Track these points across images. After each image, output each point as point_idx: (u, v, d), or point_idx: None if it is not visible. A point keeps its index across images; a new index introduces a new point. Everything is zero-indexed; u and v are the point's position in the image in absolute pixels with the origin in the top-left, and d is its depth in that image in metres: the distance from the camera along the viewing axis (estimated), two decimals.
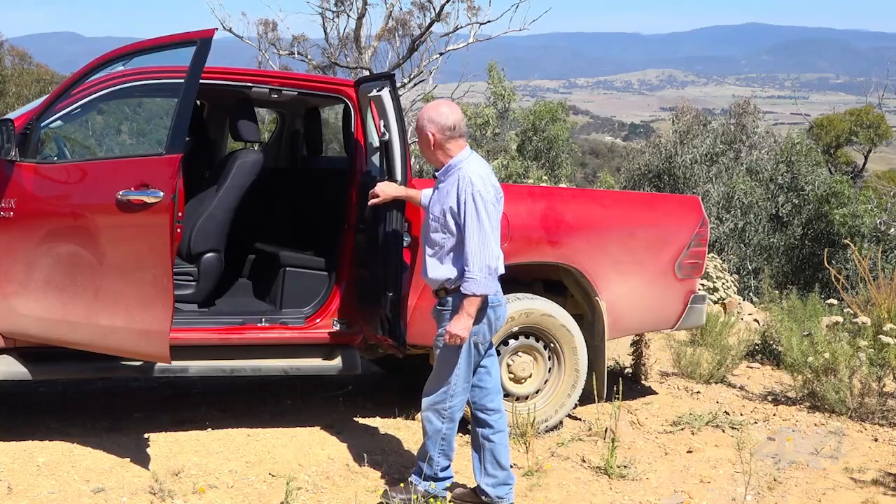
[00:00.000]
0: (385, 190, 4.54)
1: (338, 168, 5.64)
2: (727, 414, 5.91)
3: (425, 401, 4.10)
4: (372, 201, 4.54)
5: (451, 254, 3.97)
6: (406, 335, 4.67)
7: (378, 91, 4.72)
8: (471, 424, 4.22)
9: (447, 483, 4.15)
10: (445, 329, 3.95)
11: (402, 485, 4.21)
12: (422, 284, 4.73)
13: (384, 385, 6.20)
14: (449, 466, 4.13)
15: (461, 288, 3.87)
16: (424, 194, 4.36)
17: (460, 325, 3.88)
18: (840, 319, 6.41)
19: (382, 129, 4.75)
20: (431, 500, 4.00)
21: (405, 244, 4.67)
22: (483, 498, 4.12)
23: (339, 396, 5.65)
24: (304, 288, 5.21)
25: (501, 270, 4.06)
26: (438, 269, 4.01)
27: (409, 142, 5.07)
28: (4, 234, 4.34)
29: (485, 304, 3.94)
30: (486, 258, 3.84)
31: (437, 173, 4.10)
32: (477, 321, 3.95)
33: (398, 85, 5.26)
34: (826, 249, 13.26)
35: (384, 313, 4.66)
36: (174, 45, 4.50)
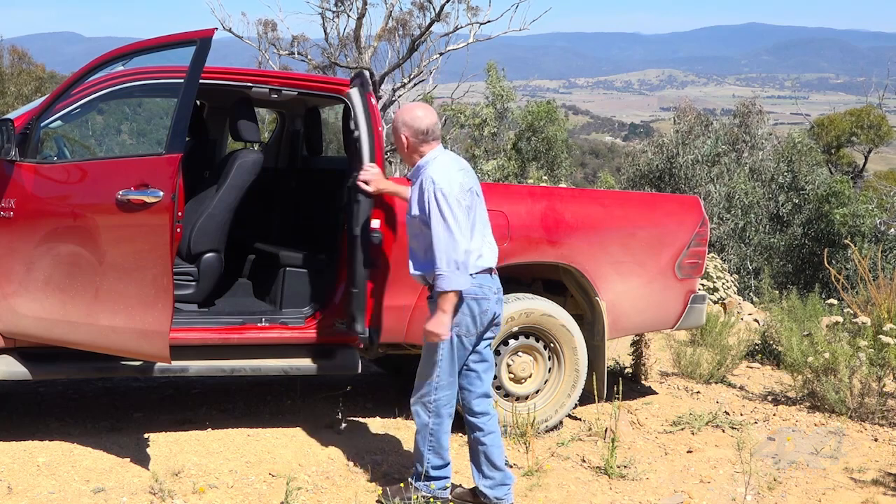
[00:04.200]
0: (377, 184, 4.56)
1: (338, 168, 5.64)
2: (727, 414, 5.92)
3: (413, 395, 4.13)
4: (364, 187, 4.56)
5: (428, 251, 4.00)
6: (377, 333, 4.77)
7: (349, 89, 4.74)
8: (465, 427, 4.22)
9: (445, 483, 4.14)
10: (424, 327, 3.97)
11: (401, 485, 4.21)
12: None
13: (384, 385, 6.20)
14: (443, 466, 4.12)
15: (434, 286, 3.89)
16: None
17: (435, 323, 3.89)
18: (840, 319, 6.41)
19: (352, 126, 4.76)
20: (431, 500, 4.00)
21: (376, 241, 4.69)
22: (482, 500, 4.12)
23: (339, 396, 5.65)
24: (304, 288, 5.21)
25: (489, 264, 4.06)
26: (419, 266, 4.07)
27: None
28: (4, 234, 4.33)
29: (462, 296, 3.95)
30: (453, 253, 3.84)
31: (408, 175, 4.14)
32: (458, 314, 3.96)
33: (398, 85, 5.26)
34: (826, 249, 13.27)
35: (350, 309, 4.68)
36: (174, 45, 4.50)
